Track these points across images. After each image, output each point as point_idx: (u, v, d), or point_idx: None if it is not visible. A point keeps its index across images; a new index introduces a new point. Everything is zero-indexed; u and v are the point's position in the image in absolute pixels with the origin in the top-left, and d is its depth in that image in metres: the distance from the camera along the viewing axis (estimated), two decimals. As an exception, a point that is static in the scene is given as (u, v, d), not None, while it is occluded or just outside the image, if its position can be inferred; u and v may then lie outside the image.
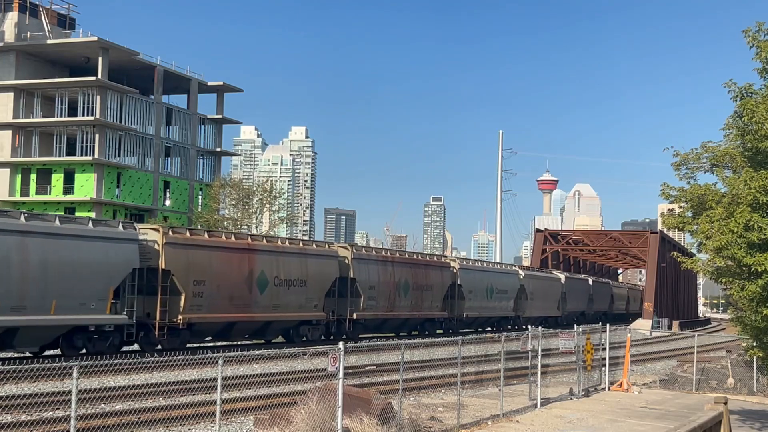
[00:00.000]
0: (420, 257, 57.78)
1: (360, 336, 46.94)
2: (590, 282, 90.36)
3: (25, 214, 29.20)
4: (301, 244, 43.36)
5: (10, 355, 28.94)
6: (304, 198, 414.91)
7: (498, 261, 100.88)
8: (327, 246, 47.19)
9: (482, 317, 62.41)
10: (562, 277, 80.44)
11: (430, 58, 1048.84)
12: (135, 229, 32.20)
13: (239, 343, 39.75)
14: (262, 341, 41.35)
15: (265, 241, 40.87)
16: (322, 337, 43.20)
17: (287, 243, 42.25)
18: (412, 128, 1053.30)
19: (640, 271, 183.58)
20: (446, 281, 56.10)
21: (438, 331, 55.49)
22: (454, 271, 57.24)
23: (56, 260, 28.71)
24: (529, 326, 26.05)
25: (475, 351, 35.81)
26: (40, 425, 16.10)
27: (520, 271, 69.98)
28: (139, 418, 17.88)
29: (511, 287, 66.97)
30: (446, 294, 55.37)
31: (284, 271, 40.12)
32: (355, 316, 45.62)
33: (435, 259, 60.09)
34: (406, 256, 56.05)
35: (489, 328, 64.72)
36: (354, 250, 47.18)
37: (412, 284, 51.24)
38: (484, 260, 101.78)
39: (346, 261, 45.75)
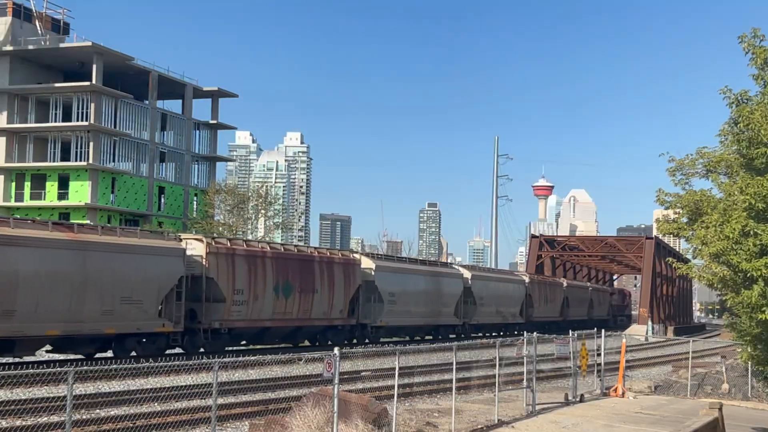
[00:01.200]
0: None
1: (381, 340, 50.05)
2: (564, 285, 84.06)
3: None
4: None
5: (7, 360, 28.87)
6: (300, 204, 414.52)
7: (493, 267, 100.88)
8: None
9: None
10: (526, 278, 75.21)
11: (425, 64, 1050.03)
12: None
13: (238, 348, 39.77)
14: (292, 345, 42.69)
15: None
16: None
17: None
18: (408, 134, 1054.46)
19: (635, 277, 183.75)
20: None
21: (451, 336, 58.43)
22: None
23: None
24: (525, 332, 26.03)
25: (471, 357, 35.80)
26: (36, 431, 16.04)
27: (465, 272, 62.04)
28: (134, 423, 17.84)
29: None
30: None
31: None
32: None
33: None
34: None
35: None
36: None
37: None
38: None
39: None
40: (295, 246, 46.41)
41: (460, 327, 58.84)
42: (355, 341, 45.86)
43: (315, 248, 45.99)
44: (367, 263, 47.90)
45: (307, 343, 43.93)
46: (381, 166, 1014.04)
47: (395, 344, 47.22)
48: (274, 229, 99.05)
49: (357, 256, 48.33)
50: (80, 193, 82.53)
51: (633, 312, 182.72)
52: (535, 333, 25.54)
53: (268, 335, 40.44)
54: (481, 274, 64.47)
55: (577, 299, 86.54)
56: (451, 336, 57.46)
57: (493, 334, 63.84)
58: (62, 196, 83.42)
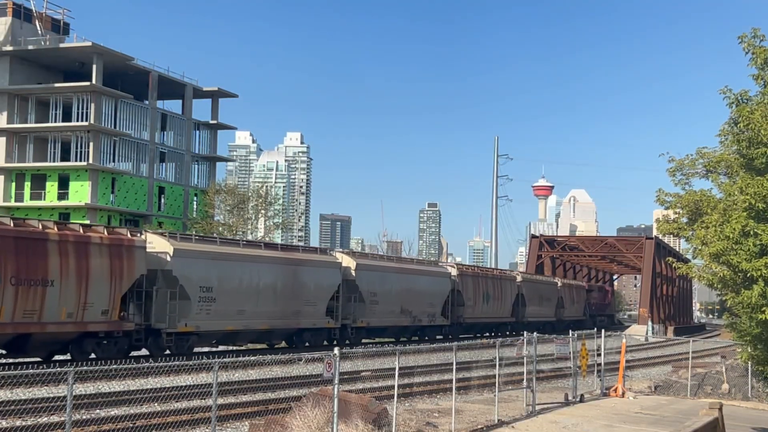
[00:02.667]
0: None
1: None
2: (519, 280, 71.45)
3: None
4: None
5: (7, 360, 28.87)
6: (300, 204, 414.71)
7: (493, 267, 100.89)
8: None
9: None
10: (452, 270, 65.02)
11: (425, 64, 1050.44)
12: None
13: (236, 348, 39.77)
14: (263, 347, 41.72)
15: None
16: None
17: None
18: (408, 134, 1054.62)
19: (635, 277, 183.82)
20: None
21: (438, 337, 57.38)
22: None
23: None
24: (524, 332, 26.05)
25: (471, 357, 35.82)
26: (36, 431, 16.05)
27: (347, 260, 48.12)
28: (134, 423, 17.85)
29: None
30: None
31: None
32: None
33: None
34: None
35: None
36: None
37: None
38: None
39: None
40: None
41: (337, 330, 45.69)
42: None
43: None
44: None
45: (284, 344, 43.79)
46: (381, 166, 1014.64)
47: (394, 344, 47.18)
48: (274, 230, 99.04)
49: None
50: (80, 193, 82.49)
51: (630, 312, 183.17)
52: (535, 333, 25.52)
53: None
54: (373, 264, 50.19)
55: (538, 297, 74.74)
56: (438, 337, 56.98)
57: (404, 339, 54.25)
58: (62, 196, 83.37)
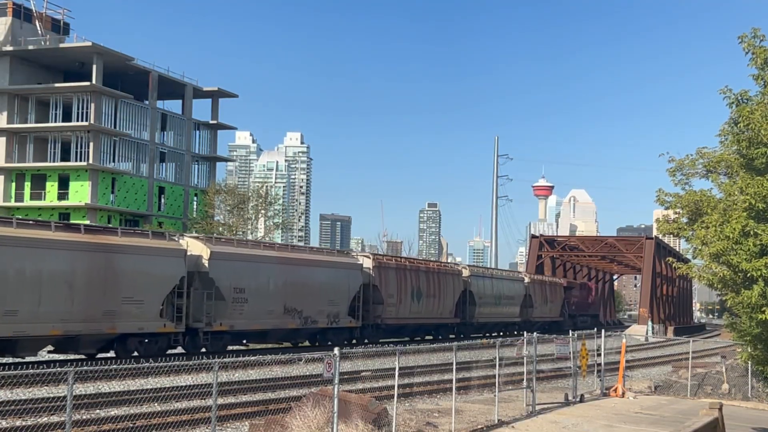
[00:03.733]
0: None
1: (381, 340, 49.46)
2: (466, 275, 60.85)
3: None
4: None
5: (7, 360, 28.88)
6: (300, 204, 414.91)
7: (494, 267, 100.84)
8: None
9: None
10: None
11: (425, 64, 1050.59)
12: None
13: (234, 349, 39.77)
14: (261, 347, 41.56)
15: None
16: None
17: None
18: (408, 134, 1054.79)
19: (635, 277, 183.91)
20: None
21: (450, 336, 57.16)
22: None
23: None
24: (525, 332, 26.07)
25: (471, 357, 35.82)
26: (36, 431, 16.05)
27: (197, 248, 37.95)
28: (134, 423, 17.85)
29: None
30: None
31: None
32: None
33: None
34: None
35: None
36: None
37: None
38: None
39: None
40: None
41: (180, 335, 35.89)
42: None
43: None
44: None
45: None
46: (381, 166, 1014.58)
47: (395, 344, 47.24)
48: (274, 230, 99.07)
49: None
50: (80, 193, 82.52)
51: (630, 312, 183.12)
52: (535, 333, 25.52)
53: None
54: (238, 252, 38.59)
55: (495, 295, 64.48)
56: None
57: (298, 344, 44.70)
58: (62, 196, 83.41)
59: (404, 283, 51.06)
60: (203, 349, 35.44)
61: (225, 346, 37.55)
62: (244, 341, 40.02)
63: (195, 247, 35.91)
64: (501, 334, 63.27)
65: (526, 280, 73.57)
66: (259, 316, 38.66)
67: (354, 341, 46.23)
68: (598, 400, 27.47)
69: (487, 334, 60.55)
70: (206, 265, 35.74)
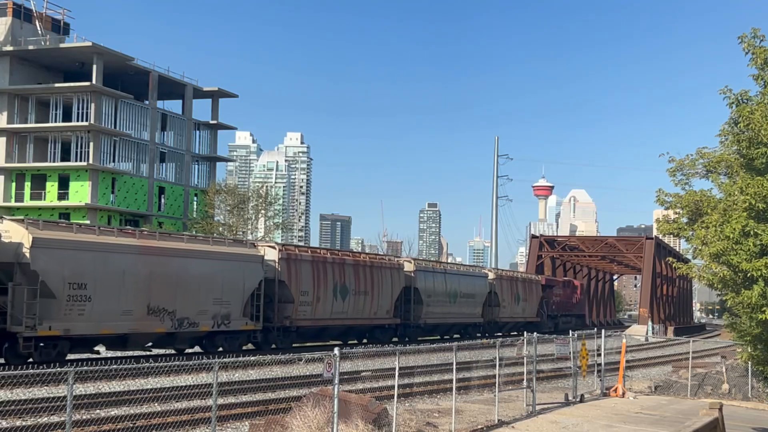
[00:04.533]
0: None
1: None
2: (408, 269, 53.01)
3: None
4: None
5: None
6: (300, 204, 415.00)
7: (494, 267, 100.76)
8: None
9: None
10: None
11: (425, 64, 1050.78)
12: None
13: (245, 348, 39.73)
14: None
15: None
16: None
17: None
18: (408, 134, 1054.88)
19: (635, 277, 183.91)
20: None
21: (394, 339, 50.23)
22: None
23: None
24: (525, 332, 26.09)
25: (471, 357, 35.83)
26: (36, 431, 16.05)
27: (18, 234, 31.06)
28: (135, 423, 17.85)
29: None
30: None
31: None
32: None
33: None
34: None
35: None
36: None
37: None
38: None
39: None
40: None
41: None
42: None
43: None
44: None
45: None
46: (381, 166, 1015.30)
47: (394, 344, 47.15)
48: (274, 230, 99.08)
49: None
50: (80, 193, 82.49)
51: (631, 312, 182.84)
52: (535, 333, 25.51)
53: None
54: (66, 238, 30.60)
55: (448, 293, 56.58)
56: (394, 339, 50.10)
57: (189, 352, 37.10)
58: (62, 196, 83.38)
59: (323, 278, 43.29)
60: (30, 360, 28.67)
61: (62, 355, 30.32)
62: (96, 348, 32.70)
63: (15, 232, 29.22)
64: (458, 336, 58.88)
65: (491, 276, 65.76)
66: (109, 318, 31.47)
67: (256, 347, 39.64)
68: (598, 400, 27.48)
69: (443, 338, 58.14)
70: (27, 254, 28.93)
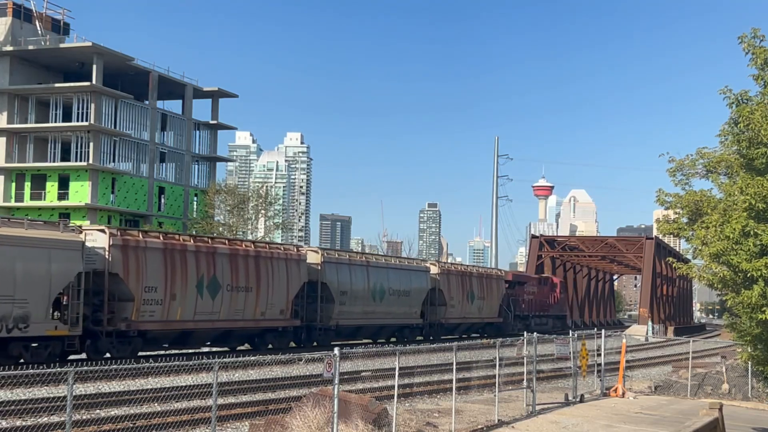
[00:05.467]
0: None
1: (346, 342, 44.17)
2: (312, 260, 44.52)
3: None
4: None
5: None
6: (300, 204, 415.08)
7: (494, 267, 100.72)
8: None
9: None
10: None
11: (425, 64, 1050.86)
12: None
13: (235, 348, 39.76)
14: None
15: None
16: None
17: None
18: (408, 134, 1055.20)
19: (635, 277, 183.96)
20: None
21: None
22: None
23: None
24: (525, 332, 26.10)
25: (471, 357, 35.83)
26: (36, 431, 16.06)
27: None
28: (135, 423, 17.85)
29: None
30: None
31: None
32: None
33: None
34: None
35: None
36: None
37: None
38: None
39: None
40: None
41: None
42: None
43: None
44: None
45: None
46: (381, 166, 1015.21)
47: (395, 344, 47.12)
48: (274, 230, 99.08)
49: None
50: (80, 193, 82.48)
51: (631, 312, 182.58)
52: (535, 333, 25.51)
53: None
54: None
55: (372, 290, 48.24)
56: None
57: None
58: (62, 196, 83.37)
59: (181, 271, 35.17)
60: None
61: None
62: None
63: None
64: (393, 341, 51.50)
65: (434, 270, 56.26)
66: None
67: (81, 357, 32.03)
68: (598, 400, 27.48)
69: (376, 342, 49.24)
70: None
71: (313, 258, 44.20)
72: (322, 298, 44.35)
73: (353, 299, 46.27)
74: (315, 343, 43.31)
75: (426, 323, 53.94)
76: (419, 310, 53.05)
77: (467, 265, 66.89)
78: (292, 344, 42.87)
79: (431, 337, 54.37)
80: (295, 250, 43.34)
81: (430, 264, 58.01)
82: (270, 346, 40.74)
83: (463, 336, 60.00)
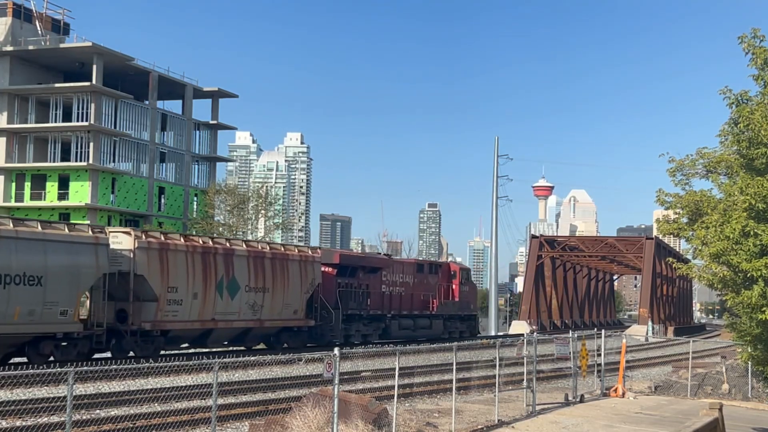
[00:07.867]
0: None
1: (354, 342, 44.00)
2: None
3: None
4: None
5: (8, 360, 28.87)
6: (300, 204, 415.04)
7: (494, 267, 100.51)
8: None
9: None
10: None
11: (425, 64, 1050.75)
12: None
13: (234, 348, 39.78)
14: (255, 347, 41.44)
15: None
16: None
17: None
18: (408, 134, 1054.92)
19: (635, 277, 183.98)
20: None
21: None
22: None
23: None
24: (524, 333, 26.12)
25: (471, 357, 35.83)
26: (36, 431, 16.06)
27: None
28: (135, 423, 17.86)
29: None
30: None
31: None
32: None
33: None
34: None
35: None
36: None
37: None
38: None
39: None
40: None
41: None
42: None
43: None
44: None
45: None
46: (381, 166, 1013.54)
47: (395, 344, 47.12)
48: (274, 230, 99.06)
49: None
50: (80, 193, 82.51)
51: (631, 312, 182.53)
52: (535, 334, 25.52)
53: None
54: None
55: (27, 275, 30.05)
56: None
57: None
58: (62, 196, 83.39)
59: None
60: None
61: None
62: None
63: None
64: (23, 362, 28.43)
65: (123, 243, 33.13)
66: None
67: None
68: (598, 400, 27.48)
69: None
70: None
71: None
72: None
73: None
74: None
75: (90, 330, 31.60)
76: (73, 310, 30.26)
77: (230, 239, 41.97)
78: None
79: (118, 362, 31.52)
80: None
81: (117, 231, 34.36)
82: (285, 345, 41.32)
83: (232, 349, 40.21)
